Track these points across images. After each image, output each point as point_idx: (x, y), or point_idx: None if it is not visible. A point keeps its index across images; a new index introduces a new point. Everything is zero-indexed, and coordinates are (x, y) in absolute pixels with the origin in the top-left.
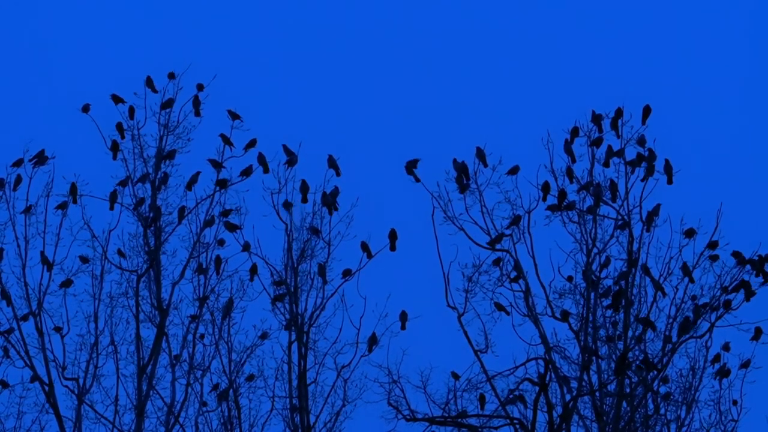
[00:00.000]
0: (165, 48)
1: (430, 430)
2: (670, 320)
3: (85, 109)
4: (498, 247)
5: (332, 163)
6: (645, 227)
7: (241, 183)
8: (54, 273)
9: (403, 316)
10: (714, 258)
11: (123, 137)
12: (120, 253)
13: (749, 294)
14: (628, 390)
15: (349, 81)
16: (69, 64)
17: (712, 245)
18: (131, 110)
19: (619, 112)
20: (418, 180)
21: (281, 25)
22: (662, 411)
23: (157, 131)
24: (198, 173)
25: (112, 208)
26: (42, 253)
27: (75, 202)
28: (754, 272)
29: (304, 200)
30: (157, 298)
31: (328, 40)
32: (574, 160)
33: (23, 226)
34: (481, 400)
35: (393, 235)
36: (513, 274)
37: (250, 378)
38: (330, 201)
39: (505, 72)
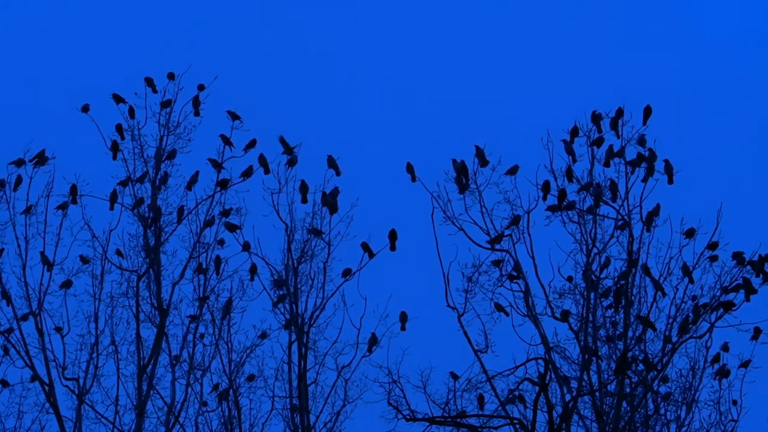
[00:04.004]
0: (165, 48)
1: (430, 430)
2: (670, 320)
3: (85, 109)
4: (498, 247)
5: (332, 163)
6: (645, 227)
7: (241, 183)
8: (54, 273)
9: (403, 317)
10: (714, 258)
11: (123, 138)
12: (119, 253)
13: (749, 292)
14: (628, 390)
15: (349, 81)
16: (69, 64)
17: (712, 246)
18: (131, 110)
19: (619, 112)
20: (414, 179)
21: (281, 26)
22: (662, 411)
23: (158, 131)
24: (197, 173)
25: (112, 208)
26: (42, 253)
27: (75, 202)
28: (754, 273)
29: (304, 200)
30: (157, 298)
31: (327, 40)
32: (575, 160)
33: (23, 226)
34: (480, 400)
35: (393, 235)
36: (513, 273)
37: (250, 378)
38: (330, 201)
39: (505, 72)
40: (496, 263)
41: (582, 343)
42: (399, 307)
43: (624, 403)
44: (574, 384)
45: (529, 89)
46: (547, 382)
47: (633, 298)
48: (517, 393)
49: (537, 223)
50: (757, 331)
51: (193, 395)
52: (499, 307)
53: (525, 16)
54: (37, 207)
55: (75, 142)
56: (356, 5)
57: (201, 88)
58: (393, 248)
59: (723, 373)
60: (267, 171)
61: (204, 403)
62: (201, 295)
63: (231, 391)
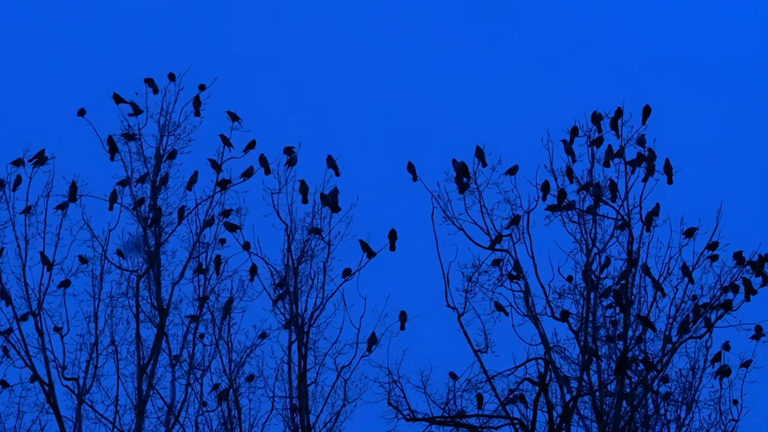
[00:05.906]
0: (165, 48)
1: (429, 430)
2: (670, 320)
3: (81, 113)
4: (498, 247)
5: (332, 163)
6: (645, 227)
7: (241, 183)
8: (54, 273)
9: (403, 317)
10: (714, 258)
11: (128, 139)
12: (119, 253)
13: (749, 292)
14: (628, 390)
15: (349, 81)
16: (69, 64)
17: (712, 246)
18: (132, 109)
19: (619, 112)
20: (416, 179)
21: (281, 26)
22: (662, 411)
23: (158, 132)
24: (197, 173)
25: (111, 208)
26: (42, 253)
27: (74, 200)
28: (754, 273)
29: (304, 201)
30: (157, 298)
31: (327, 40)
32: (574, 160)
33: (23, 226)
34: (479, 399)
35: (393, 235)
36: (512, 273)
37: (250, 378)
38: (330, 201)
39: (505, 72)
40: (496, 263)
41: (582, 343)
42: (399, 307)
43: (624, 403)
44: (574, 384)
45: (529, 89)
46: (547, 382)
47: (633, 298)
48: (517, 393)
49: (537, 223)
50: (759, 330)
51: (193, 395)
52: (499, 307)
53: (525, 17)
54: (36, 207)
55: (74, 142)
56: (356, 5)
57: (202, 88)
58: (393, 248)
59: (724, 372)
60: (267, 171)
61: (204, 403)
62: (201, 295)
63: (231, 391)
